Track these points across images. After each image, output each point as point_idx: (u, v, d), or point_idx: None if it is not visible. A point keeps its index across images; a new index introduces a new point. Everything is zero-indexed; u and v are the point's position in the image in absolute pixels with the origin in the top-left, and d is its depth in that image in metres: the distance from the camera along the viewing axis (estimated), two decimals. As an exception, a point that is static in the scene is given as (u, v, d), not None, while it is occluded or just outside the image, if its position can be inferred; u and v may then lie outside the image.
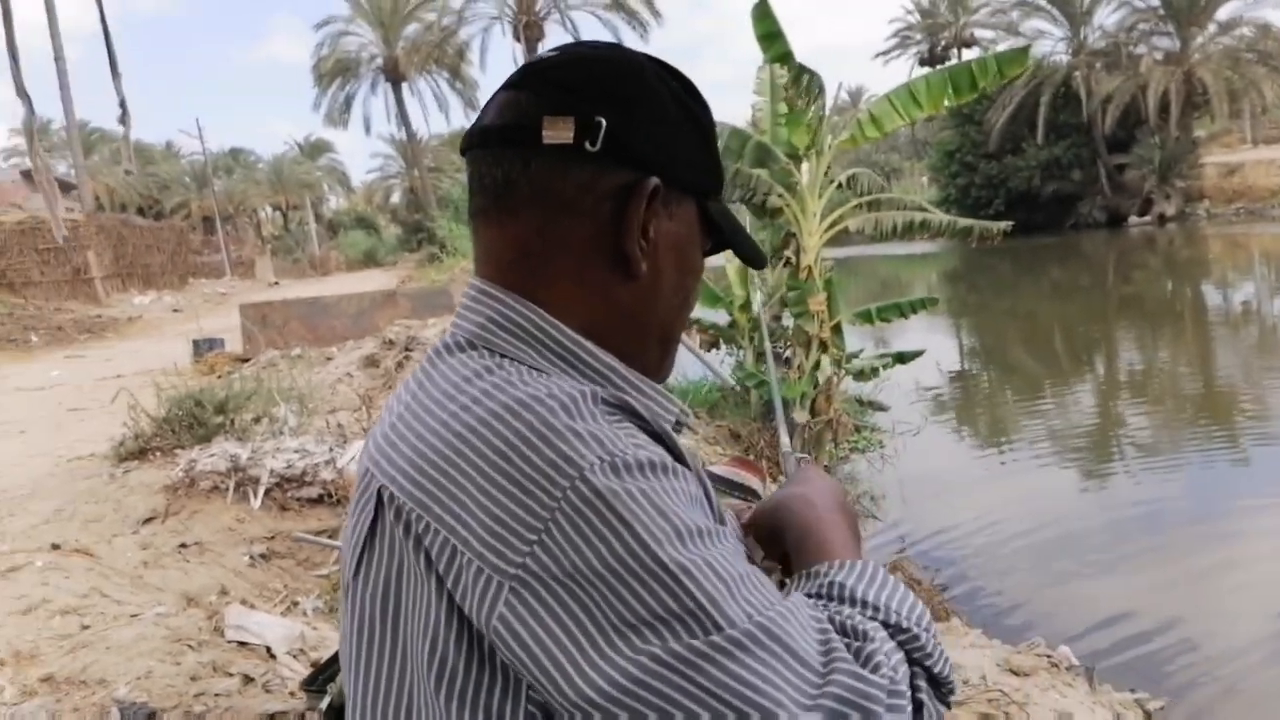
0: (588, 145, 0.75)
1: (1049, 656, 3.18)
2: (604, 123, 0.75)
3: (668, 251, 0.80)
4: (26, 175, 38.38)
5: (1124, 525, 6.70)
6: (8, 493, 5.25)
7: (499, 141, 0.78)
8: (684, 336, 0.89)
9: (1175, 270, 24.82)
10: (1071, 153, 37.49)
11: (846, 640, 0.69)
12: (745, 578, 0.67)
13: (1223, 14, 37.71)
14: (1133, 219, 37.02)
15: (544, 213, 0.77)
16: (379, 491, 0.74)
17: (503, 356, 0.75)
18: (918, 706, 0.70)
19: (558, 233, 0.77)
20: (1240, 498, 7.03)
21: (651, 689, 0.62)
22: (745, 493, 1.29)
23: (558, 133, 0.76)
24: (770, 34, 7.53)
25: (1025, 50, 7.59)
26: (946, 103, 7.25)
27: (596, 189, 0.76)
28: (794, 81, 7.53)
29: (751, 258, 0.90)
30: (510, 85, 0.81)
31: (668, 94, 0.80)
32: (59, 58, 30.38)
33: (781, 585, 0.80)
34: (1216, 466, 8.00)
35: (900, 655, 0.70)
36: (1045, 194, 37.52)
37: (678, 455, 0.74)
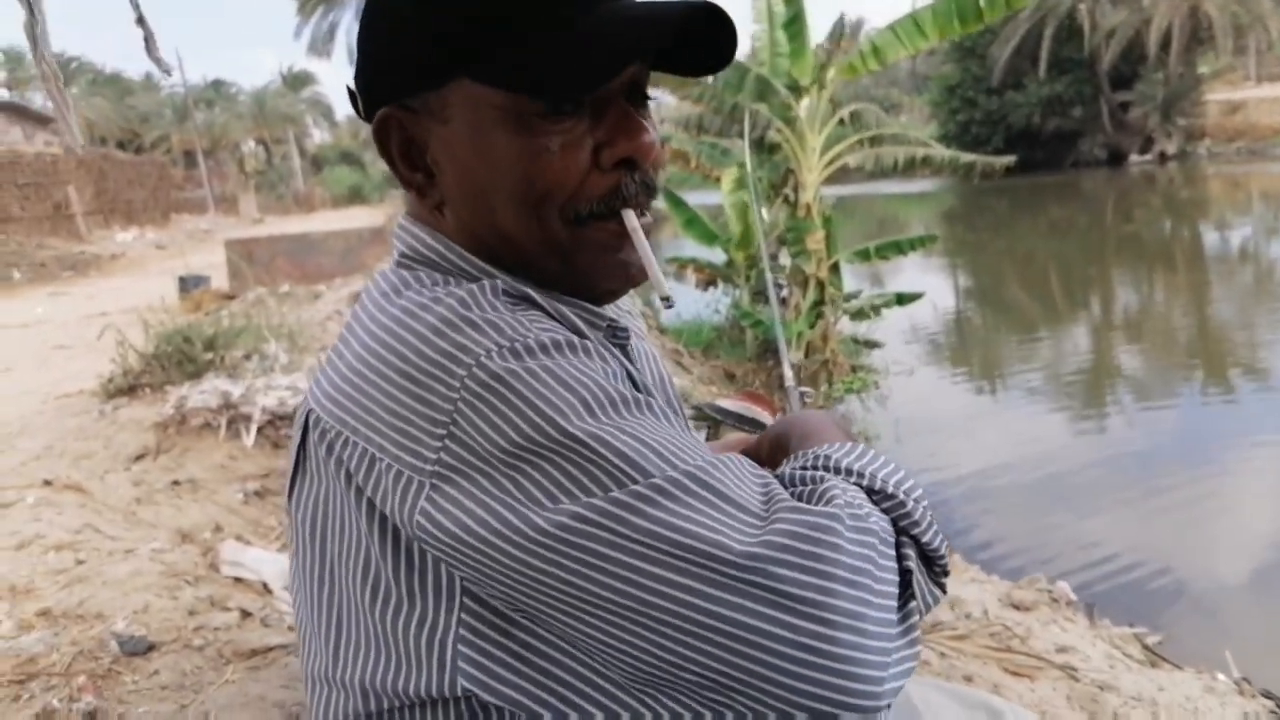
0: (360, 115, 0.80)
1: (1049, 592, 3.18)
2: (352, 86, 0.79)
3: (452, 159, 0.74)
4: (3, 108, 37.54)
5: (1119, 464, 6.72)
6: (-4, 429, 5.18)
7: None
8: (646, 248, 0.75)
9: (1174, 210, 24.66)
10: (1074, 89, 36.98)
11: (797, 490, 0.67)
12: (670, 440, 0.63)
13: (1230, -55, 36.97)
14: (1134, 157, 36.72)
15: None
16: (306, 415, 0.74)
17: (414, 276, 0.76)
18: (905, 574, 0.65)
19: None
20: (1232, 437, 7.05)
21: (578, 546, 0.60)
22: (755, 426, 1.25)
23: (354, 106, 0.81)
24: None
25: None
26: (950, 34, 7.03)
27: (378, 143, 0.78)
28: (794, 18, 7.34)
29: (571, 74, 0.69)
30: None
31: (399, 7, 0.73)
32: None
33: None
34: (1210, 407, 8.02)
35: (870, 506, 0.66)
36: (1046, 131, 37.11)
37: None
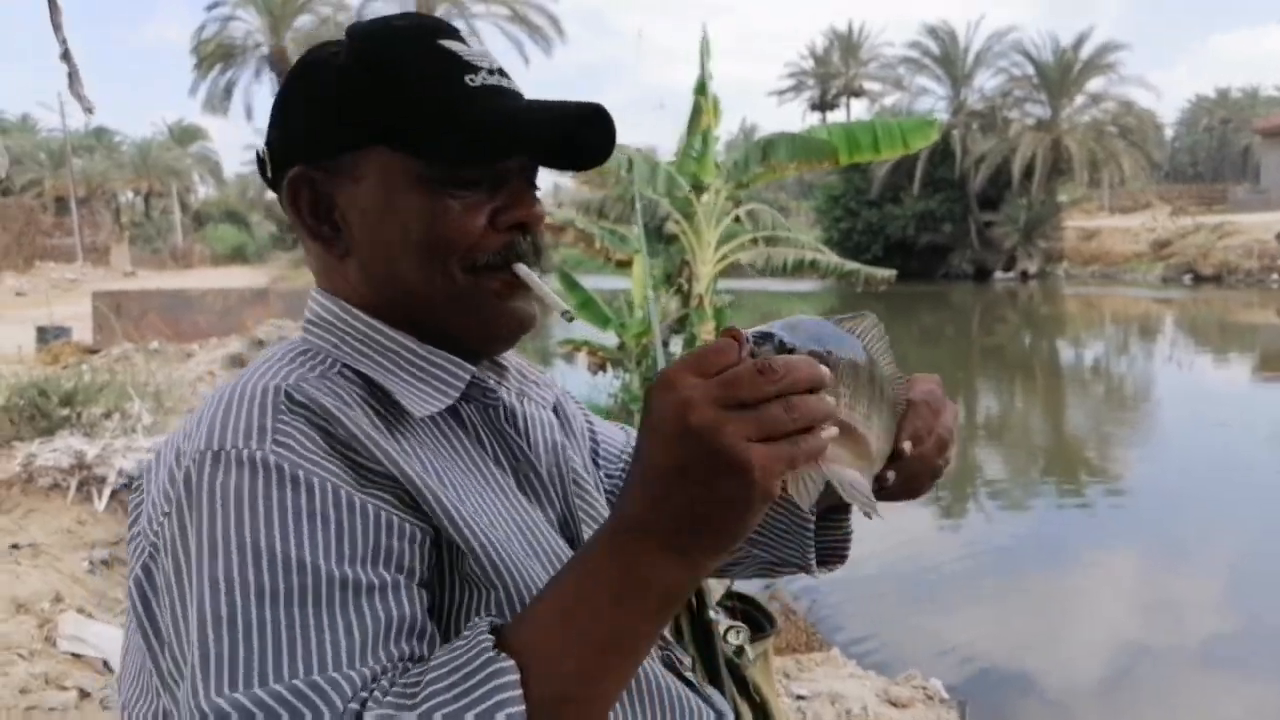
0: (265, 177, 0.86)
1: (924, 689, 3.23)
2: (264, 150, 0.86)
3: (362, 214, 0.81)
4: None
5: (980, 563, 6.98)
6: None
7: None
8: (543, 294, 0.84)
9: (1035, 324, 26.35)
10: (945, 206, 39.46)
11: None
12: (281, 647, 0.62)
13: (1092, 87, 40.60)
14: (999, 274, 39.17)
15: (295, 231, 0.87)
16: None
17: (302, 346, 0.83)
18: None
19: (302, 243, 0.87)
20: (1085, 542, 7.44)
21: None
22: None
23: (260, 169, 0.87)
24: (702, 64, 7.74)
25: (933, 123, 7.54)
26: (845, 160, 7.42)
27: (286, 203, 0.84)
28: (696, 115, 7.66)
29: (468, 141, 0.79)
30: None
31: (323, 77, 0.82)
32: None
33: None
34: (1065, 510, 8.46)
35: None
36: (920, 243, 39.34)
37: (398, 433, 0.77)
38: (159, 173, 54.75)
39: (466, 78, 0.80)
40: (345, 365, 0.80)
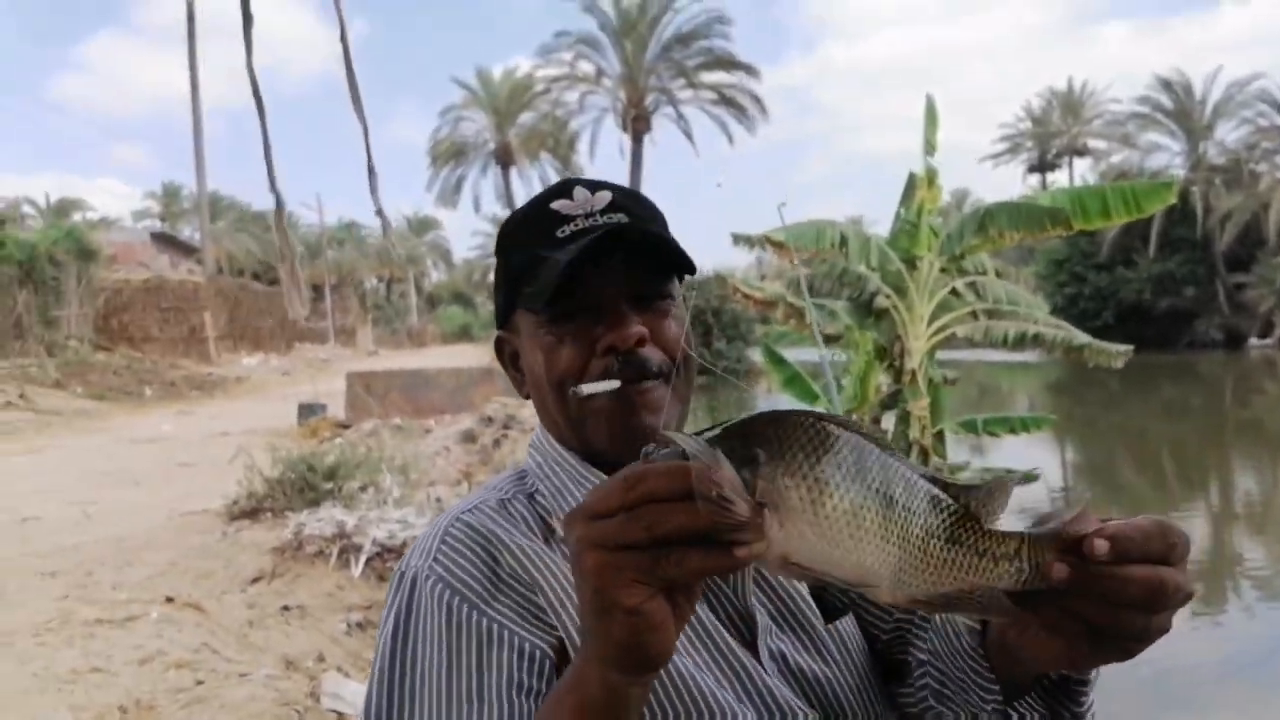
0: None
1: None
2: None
3: (526, 364, 1.00)
4: (155, 237, 40.98)
5: (1241, 664, 6.24)
6: (125, 542, 5.45)
7: None
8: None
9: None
10: (1186, 268, 36.37)
11: None
12: None
13: (1351, 135, 36.56)
14: (1253, 340, 35.45)
15: None
16: None
17: (520, 469, 1.04)
18: None
19: None
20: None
21: None
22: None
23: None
24: (926, 135, 7.68)
25: (1170, 184, 7.05)
26: (1073, 228, 7.06)
27: (498, 355, 1.07)
28: (911, 187, 7.59)
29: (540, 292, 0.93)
30: None
31: (504, 254, 1.02)
32: (197, 131, 32.74)
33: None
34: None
35: None
36: (1158, 309, 36.35)
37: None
38: (399, 261, 60.06)
39: (558, 231, 0.95)
40: (534, 490, 0.98)
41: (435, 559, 0.90)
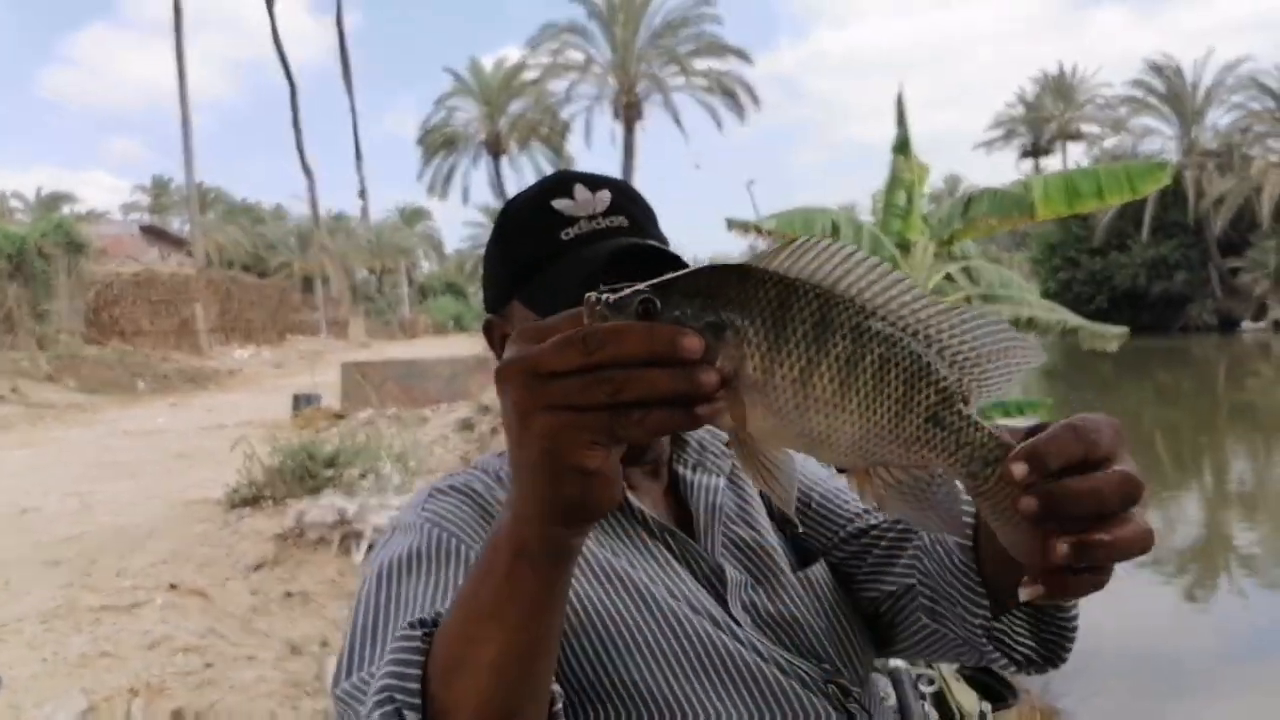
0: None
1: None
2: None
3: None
4: (145, 229, 40.81)
5: (1234, 647, 6.31)
6: (127, 531, 5.47)
7: None
8: None
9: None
10: (1179, 252, 36.51)
11: None
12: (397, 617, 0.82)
13: (1342, 118, 36.69)
14: (1246, 324, 35.64)
15: None
16: None
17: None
18: None
19: None
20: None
21: None
22: None
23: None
24: (900, 124, 7.73)
25: (1164, 165, 7.08)
26: (1066, 210, 7.10)
27: (486, 338, 1.09)
28: (896, 174, 7.63)
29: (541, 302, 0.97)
30: None
31: (488, 248, 1.07)
32: (186, 124, 32.61)
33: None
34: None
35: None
36: (1152, 293, 36.50)
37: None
38: (390, 252, 59.92)
39: (563, 233, 0.99)
40: None
41: (423, 509, 0.95)
